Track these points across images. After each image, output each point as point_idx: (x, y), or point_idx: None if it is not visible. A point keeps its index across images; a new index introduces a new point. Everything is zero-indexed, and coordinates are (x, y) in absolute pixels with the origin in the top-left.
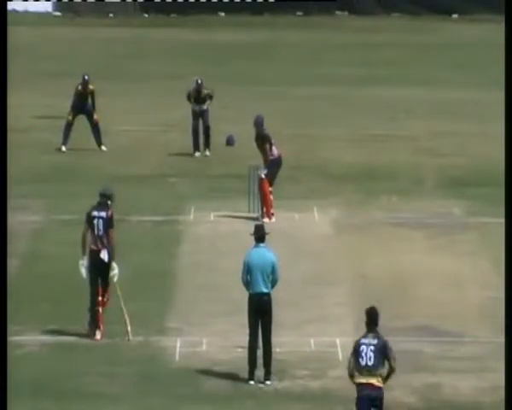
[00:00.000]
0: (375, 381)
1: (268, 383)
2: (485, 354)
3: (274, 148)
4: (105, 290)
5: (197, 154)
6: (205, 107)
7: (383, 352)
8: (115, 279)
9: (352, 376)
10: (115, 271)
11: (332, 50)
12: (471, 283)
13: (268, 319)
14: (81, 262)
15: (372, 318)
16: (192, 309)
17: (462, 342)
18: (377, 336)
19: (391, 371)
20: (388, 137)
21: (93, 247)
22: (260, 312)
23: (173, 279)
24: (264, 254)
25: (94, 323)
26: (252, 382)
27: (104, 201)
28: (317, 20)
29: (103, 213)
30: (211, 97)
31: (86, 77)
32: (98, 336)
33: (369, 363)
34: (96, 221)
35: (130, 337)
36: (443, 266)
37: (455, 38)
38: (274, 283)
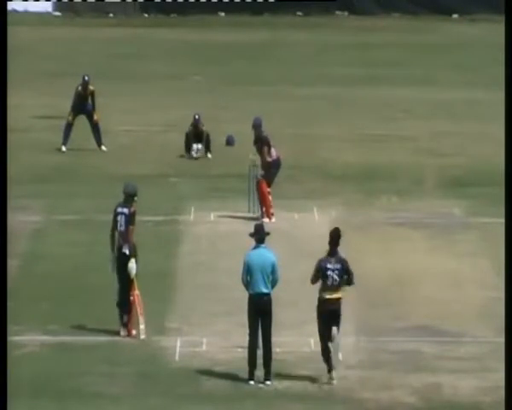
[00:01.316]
0: (340, 294)
1: (268, 383)
2: (485, 354)
3: (273, 149)
4: (130, 287)
5: (187, 156)
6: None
7: (345, 272)
8: (132, 275)
9: (313, 282)
10: (131, 265)
11: (332, 50)
12: (471, 283)
13: (268, 320)
14: (110, 257)
15: (335, 239)
16: (192, 309)
17: (462, 342)
18: (339, 259)
19: (350, 284)
20: (388, 137)
21: (118, 242)
22: (260, 312)
23: (173, 279)
24: (265, 254)
25: (120, 320)
26: (252, 382)
27: (129, 198)
28: (317, 20)
29: (126, 210)
30: (208, 136)
31: (86, 77)
32: (122, 332)
33: (335, 283)
34: (119, 217)
35: (142, 336)
36: (443, 266)
37: (455, 38)
38: (274, 283)
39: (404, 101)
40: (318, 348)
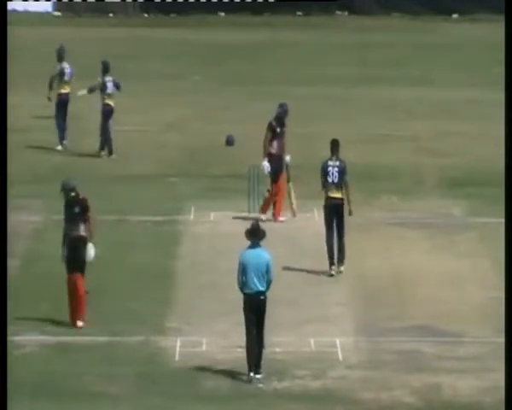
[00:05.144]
0: (339, 195)
1: (258, 377)
2: (485, 354)
3: (275, 142)
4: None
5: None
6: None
7: (344, 172)
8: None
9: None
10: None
11: (332, 50)
12: (471, 283)
13: (262, 318)
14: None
15: (335, 146)
16: (192, 309)
17: (462, 342)
18: (339, 159)
19: (347, 186)
20: (388, 137)
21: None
22: (255, 311)
23: (173, 279)
24: (259, 253)
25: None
26: (252, 374)
27: (68, 194)
28: (317, 20)
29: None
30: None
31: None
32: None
33: (335, 181)
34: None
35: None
36: (443, 266)
37: (455, 38)
38: (268, 283)
39: (404, 101)
40: (318, 348)
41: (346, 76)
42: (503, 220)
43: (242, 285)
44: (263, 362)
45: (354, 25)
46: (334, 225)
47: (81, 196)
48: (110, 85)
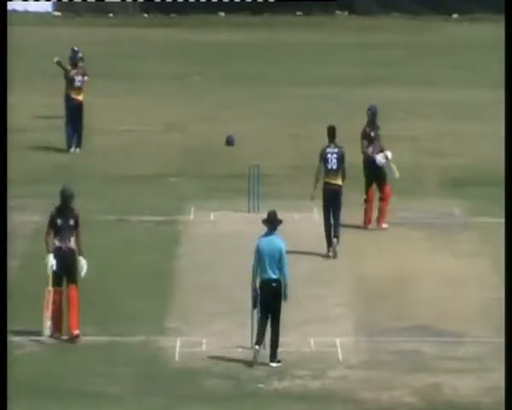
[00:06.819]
0: (338, 181)
1: (272, 364)
2: (485, 354)
3: (371, 147)
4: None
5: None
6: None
7: (342, 159)
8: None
9: (317, 179)
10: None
11: (332, 50)
12: (471, 283)
13: (277, 304)
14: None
15: (332, 133)
16: (192, 309)
17: (462, 342)
18: (337, 146)
19: (343, 173)
20: (388, 137)
21: (66, 245)
22: (270, 297)
23: (173, 279)
24: (273, 240)
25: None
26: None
27: (68, 203)
28: (317, 20)
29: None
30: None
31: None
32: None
33: (334, 167)
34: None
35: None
36: (443, 266)
37: (455, 38)
38: (281, 270)
39: (404, 101)
40: (318, 348)
41: (346, 76)
42: (503, 220)
43: (256, 271)
44: (278, 350)
45: (354, 25)
46: (331, 209)
47: (76, 211)
48: (77, 79)
